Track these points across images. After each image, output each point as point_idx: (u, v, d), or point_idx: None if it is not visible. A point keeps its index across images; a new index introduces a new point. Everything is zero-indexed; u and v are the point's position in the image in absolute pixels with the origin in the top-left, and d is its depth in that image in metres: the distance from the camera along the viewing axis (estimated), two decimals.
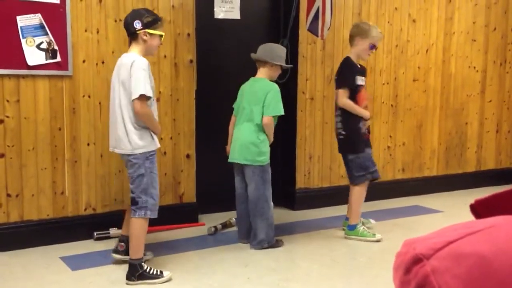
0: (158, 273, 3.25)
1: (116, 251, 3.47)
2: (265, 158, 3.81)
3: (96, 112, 3.94)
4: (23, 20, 3.58)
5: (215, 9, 4.48)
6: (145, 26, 3.20)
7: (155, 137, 3.27)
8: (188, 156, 4.34)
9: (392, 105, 5.33)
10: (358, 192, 4.11)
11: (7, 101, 3.64)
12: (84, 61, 3.85)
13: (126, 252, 3.39)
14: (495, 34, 5.88)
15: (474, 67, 5.80)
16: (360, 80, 4.06)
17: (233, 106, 3.95)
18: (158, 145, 3.31)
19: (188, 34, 4.24)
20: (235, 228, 4.16)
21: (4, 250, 3.66)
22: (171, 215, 4.21)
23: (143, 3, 4.02)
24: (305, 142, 4.87)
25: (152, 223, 3.67)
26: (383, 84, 5.25)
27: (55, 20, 3.69)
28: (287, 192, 4.89)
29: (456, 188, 5.68)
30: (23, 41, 3.60)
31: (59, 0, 3.69)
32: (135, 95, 3.10)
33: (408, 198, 5.35)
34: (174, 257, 3.63)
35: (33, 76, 3.69)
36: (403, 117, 5.40)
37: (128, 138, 3.18)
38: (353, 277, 3.42)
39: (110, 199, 4.06)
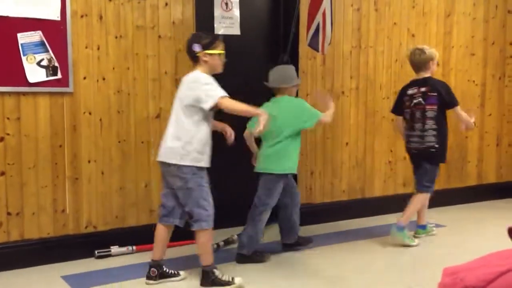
0: (230, 279, 3.39)
1: (149, 277, 3.48)
2: None
3: (97, 129, 3.91)
4: (23, 37, 3.57)
5: (215, 25, 4.48)
6: (204, 47, 3.35)
7: (204, 153, 3.37)
8: None
9: (392, 120, 5.31)
10: (422, 198, 4.35)
11: (8, 118, 3.61)
12: (84, 78, 3.83)
13: (160, 276, 3.48)
14: (494, 48, 5.90)
15: (474, 81, 5.81)
16: None
17: None
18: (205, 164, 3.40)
19: None
20: (237, 245, 4.12)
21: (5, 269, 3.61)
22: (173, 232, 4.16)
23: (144, 20, 4.02)
24: (307, 157, 4.85)
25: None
26: (383, 98, 5.25)
27: (56, 37, 3.68)
28: None
29: (458, 202, 5.66)
30: (23, 58, 3.58)
31: (59, 17, 3.68)
32: (213, 101, 3.23)
33: None
34: None
35: (34, 93, 3.67)
36: None
37: (176, 151, 3.29)
38: None
39: (111, 216, 4.02)
